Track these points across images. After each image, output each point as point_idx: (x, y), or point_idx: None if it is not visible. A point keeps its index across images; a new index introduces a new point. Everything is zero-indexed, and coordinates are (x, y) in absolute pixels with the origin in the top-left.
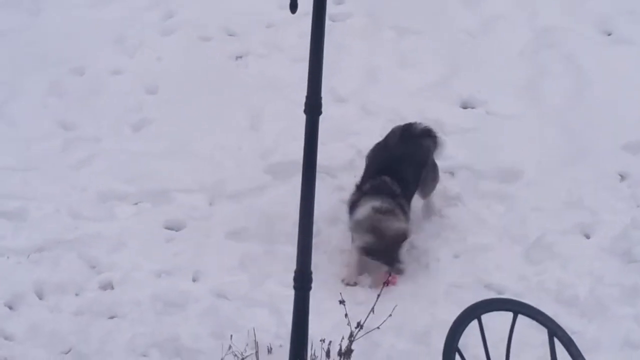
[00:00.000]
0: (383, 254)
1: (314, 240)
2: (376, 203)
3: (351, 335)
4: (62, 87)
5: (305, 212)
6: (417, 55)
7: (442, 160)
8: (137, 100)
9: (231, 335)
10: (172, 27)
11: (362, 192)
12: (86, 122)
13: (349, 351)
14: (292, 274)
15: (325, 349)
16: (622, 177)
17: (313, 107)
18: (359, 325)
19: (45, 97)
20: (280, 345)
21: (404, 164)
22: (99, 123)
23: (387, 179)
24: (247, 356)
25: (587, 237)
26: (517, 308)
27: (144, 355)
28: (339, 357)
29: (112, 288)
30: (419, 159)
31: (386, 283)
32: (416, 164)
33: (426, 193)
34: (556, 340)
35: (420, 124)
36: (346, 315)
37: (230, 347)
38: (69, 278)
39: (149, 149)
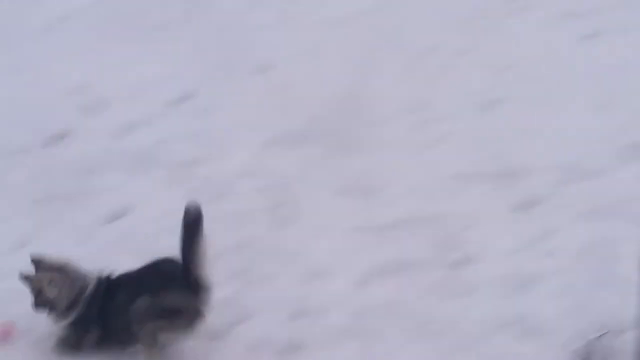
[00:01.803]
0: None
1: None
2: None
3: None
4: (414, 66)
5: None
6: None
7: None
8: (486, 80)
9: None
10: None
11: None
12: (436, 101)
13: None
14: None
15: None
16: None
17: None
18: None
19: (396, 77)
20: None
21: None
22: (449, 103)
23: None
24: (597, 337)
25: None
26: None
27: (495, 334)
28: None
29: (464, 266)
30: None
31: None
32: None
33: None
34: None
35: None
36: None
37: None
38: (420, 255)
39: (499, 128)
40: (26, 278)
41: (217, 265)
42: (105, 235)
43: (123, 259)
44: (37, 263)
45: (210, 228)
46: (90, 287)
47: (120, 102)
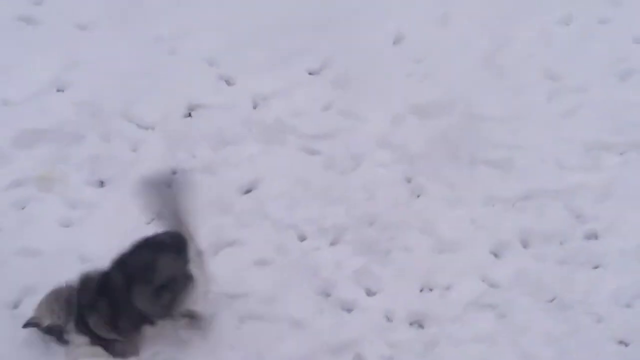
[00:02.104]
0: None
1: None
2: None
3: None
4: (549, 36)
5: None
6: None
7: None
8: (624, 50)
9: None
10: None
11: None
12: (572, 71)
13: None
14: None
15: None
16: None
17: None
18: None
19: (532, 46)
20: None
21: None
22: (585, 73)
23: None
24: None
25: None
26: None
27: (628, 307)
28: None
29: (596, 238)
30: None
31: None
32: None
33: None
34: None
35: None
36: None
37: None
38: (553, 227)
39: (637, 98)
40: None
41: (349, 237)
42: (241, 206)
43: (257, 230)
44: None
45: (342, 200)
46: (74, 293)
47: (255, 74)
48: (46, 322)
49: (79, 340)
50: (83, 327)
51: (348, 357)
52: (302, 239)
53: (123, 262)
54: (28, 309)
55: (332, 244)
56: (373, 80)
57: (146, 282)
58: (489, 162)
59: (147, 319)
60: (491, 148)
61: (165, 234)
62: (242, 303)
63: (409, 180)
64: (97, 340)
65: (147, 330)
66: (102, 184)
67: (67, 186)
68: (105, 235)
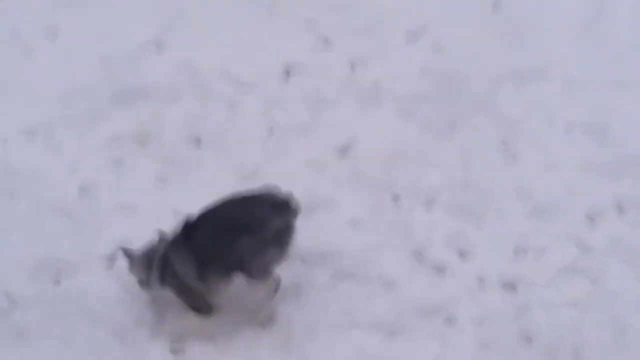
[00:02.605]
0: None
1: None
2: None
3: None
4: None
5: None
6: None
7: None
8: None
9: None
10: None
11: None
12: None
13: None
14: None
15: None
16: None
17: None
18: None
19: (631, 16)
20: None
21: None
22: None
23: None
24: None
25: None
26: None
27: None
28: None
29: None
30: None
31: None
32: None
33: None
34: None
35: None
36: None
37: None
38: None
39: None
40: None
41: (443, 200)
42: (336, 166)
43: (352, 190)
44: (129, 254)
45: (437, 163)
46: (160, 250)
47: (353, 36)
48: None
49: (162, 292)
50: (169, 277)
51: (439, 320)
52: (397, 200)
53: (222, 211)
54: (123, 262)
55: (426, 206)
56: (472, 45)
57: (254, 235)
58: (586, 128)
59: (238, 272)
60: (588, 114)
61: (270, 189)
62: (335, 262)
63: (504, 145)
64: (180, 290)
65: (231, 288)
66: (198, 141)
67: (163, 143)
68: (199, 192)
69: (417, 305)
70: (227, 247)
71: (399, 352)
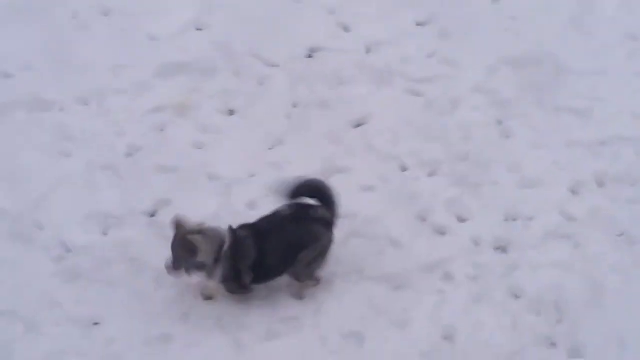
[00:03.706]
0: None
1: None
2: None
3: None
4: (633, 2)
5: None
6: None
7: None
8: None
9: None
10: None
11: None
12: None
13: None
14: None
15: None
16: None
17: None
18: None
19: (615, 12)
20: None
21: None
22: None
23: None
24: None
25: None
26: None
27: None
28: None
29: None
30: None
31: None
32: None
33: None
34: None
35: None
36: None
37: None
38: (626, 170)
39: None
40: (182, 234)
41: (444, 170)
42: (350, 138)
43: (364, 160)
44: (179, 225)
45: (440, 137)
46: (227, 241)
47: (369, 23)
48: (201, 258)
49: (218, 278)
50: (230, 270)
51: (438, 275)
52: (404, 169)
53: (285, 223)
54: (163, 218)
55: (429, 175)
56: (473, 33)
57: (308, 249)
58: (572, 110)
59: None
60: (574, 98)
61: (321, 208)
62: (349, 222)
63: (499, 123)
64: (233, 284)
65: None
66: (231, 112)
67: (200, 113)
68: (231, 157)
69: (420, 263)
70: (289, 258)
71: (402, 303)
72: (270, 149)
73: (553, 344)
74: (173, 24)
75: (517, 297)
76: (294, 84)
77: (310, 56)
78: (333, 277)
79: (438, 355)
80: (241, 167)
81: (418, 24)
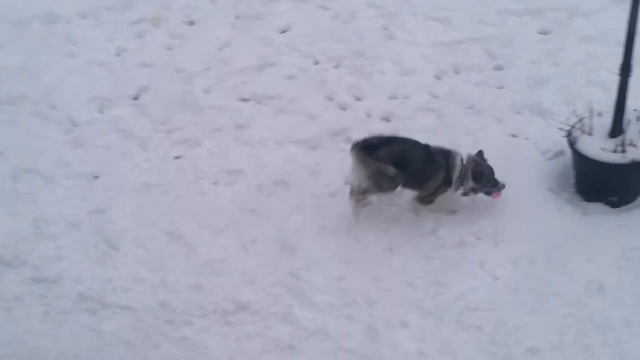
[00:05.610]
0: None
1: None
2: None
3: None
4: None
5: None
6: None
7: None
8: None
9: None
10: None
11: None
12: None
13: None
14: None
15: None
16: None
17: None
18: None
19: None
20: (604, 113)
21: None
22: None
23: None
24: (584, 117)
25: None
26: None
27: (519, 113)
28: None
29: (502, 69)
30: None
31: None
32: None
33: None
34: None
35: None
36: None
37: (574, 111)
38: (474, 62)
39: None
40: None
41: (346, 63)
42: (279, 41)
43: (289, 57)
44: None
45: (343, 39)
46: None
47: None
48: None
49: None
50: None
51: (342, 139)
52: (317, 63)
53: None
54: (144, 101)
55: (335, 67)
56: None
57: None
58: (437, 19)
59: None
60: (440, 10)
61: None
62: (276, 103)
63: (385, 29)
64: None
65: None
66: (191, 23)
67: (169, 24)
68: (194, 56)
69: (329, 130)
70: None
71: (316, 159)
72: (220, 49)
73: None
74: None
75: None
76: (237, 1)
77: None
78: (269, 140)
79: (344, 191)
80: (199, 63)
81: None
